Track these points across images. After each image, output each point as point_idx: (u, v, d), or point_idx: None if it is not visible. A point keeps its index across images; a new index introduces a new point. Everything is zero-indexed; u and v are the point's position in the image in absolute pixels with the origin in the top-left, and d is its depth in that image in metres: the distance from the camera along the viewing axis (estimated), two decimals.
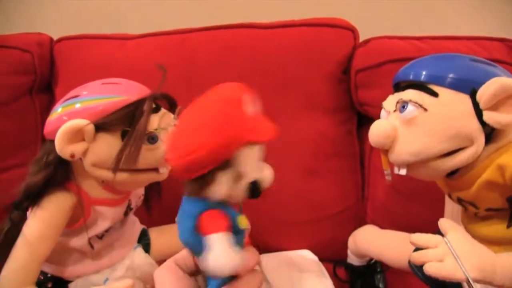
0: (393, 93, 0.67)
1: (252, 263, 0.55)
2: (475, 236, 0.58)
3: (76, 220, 0.71)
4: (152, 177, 0.72)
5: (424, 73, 0.61)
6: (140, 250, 0.82)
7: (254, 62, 0.97)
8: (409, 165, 0.62)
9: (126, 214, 0.79)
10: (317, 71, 0.98)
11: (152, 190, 0.85)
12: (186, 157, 0.49)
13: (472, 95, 0.58)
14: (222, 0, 1.21)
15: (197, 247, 0.50)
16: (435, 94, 0.59)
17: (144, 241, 0.85)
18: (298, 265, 0.89)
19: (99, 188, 0.72)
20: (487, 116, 0.56)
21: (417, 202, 0.91)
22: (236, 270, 0.48)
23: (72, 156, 0.65)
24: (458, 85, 0.59)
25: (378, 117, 0.96)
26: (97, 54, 1.04)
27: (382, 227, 0.87)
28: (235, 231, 0.53)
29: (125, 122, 0.66)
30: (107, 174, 0.68)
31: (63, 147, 0.64)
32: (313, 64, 0.97)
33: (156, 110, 0.70)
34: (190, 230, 0.52)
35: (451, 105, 0.58)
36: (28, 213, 0.69)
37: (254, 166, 0.53)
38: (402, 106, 0.61)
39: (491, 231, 0.63)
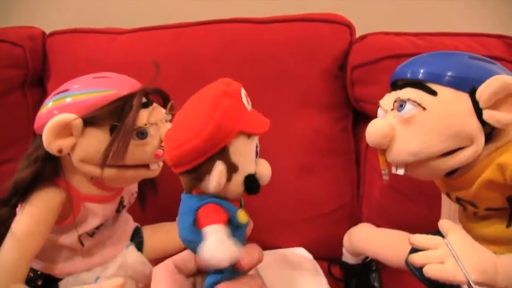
0: (390, 91, 0.64)
1: (256, 259, 0.53)
2: (474, 236, 0.56)
3: (66, 217, 0.69)
4: (142, 174, 0.70)
5: (422, 71, 0.59)
6: (132, 248, 0.79)
7: (250, 57, 0.96)
8: (407, 165, 0.60)
9: (118, 211, 0.77)
10: (312, 67, 0.96)
11: (147, 187, 0.83)
12: (179, 148, 0.48)
13: (472, 93, 0.56)
14: None
15: (196, 244, 0.48)
16: (433, 93, 0.57)
17: (137, 239, 0.82)
18: (293, 263, 0.87)
19: (88, 184, 0.69)
20: (487, 115, 0.54)
21: (413, 200, 0.90)
22: (232, 261, 0.46)
23: (60, 151, 0.63)
24: (457, 84, 0.56)
25: (374, 114, 0.96)
26: (90, 48, 1.02)
27: (377, 225, 0.85)
28: (235, 226, 0.52)
29: (114, 117, 0.64)
30: (95, 170, 0.65)
31: (50, 142, 0.62)
32: (308, 60, 0.96)
33: (147, 104, 0.68)
34: (189, 226, 0.50)
35: (450, 104, 0.56)
36: (17, 209, 0.67)
37: (249, 159, 0.52)
38: (400, 105, 0.59)
39: (490, 230, 0.61)
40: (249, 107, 0.53)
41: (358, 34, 0.99)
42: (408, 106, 0.58)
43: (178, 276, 0.52)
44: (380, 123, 0.60)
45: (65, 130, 0.63)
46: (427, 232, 0.58)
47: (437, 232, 0.57)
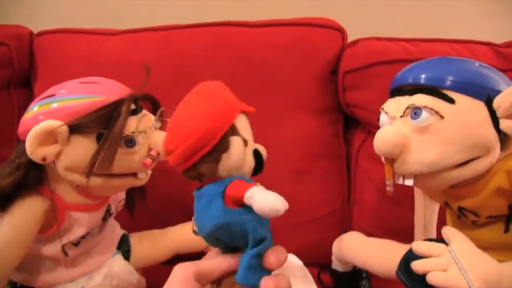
0: (392, 97, 0.62)
1: (284, 257, 0.49)
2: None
3: (50, 226, 0.65)
4: (130, 183, 0.67)
5: (438, 77, 0.56)
6: (119, 257, 0.76)
7: (241, 61, 0.94)
8: (417, 176, 0.57)
9: (104, 219, 0.74)
10: (304, 71, 0.94)
11: (135, 193, 0.80)
12: (195, 134, 0.47)
13: (488, 102, 0.54)
14: None
15: (235, 225, 0.45)
16: (451, 101, 0.54)
17: (124, 248, 0.79)
18: (283, 270, 0.84)
19: (73, 192, 0.66)
20: (505, 124, 0.53)
21: (404, 206, 0.85)
22: (286, 207, 0.44)
23: (44, 159, 0.60)
24: (475, 92, 0.54)
25: (365, 120, 0.95)
26: (80, 49, 0.99)
27: (368, 231, 0.84)
28: None
29: (101, 124, 0.61)
30: (81, 179, 0.62)
31: (33, 150, 0.59)
32: (300, 64, 0.94)
33: (135, 111, 0.65)
34: (221, 209, 0.47)
35: (469, 113, 0.54)
36: None
37: (251, 136, 0.52)
38: (415, 112, 0.56)
39: (487, 236, 0.60)
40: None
41: (350, 39, 0.97)
42: (424, 114, 0.55)
43: (193, 284, 0.49)
44: (392, 131, 0.56)
45: (50, 137, 0.60)
46: (430, 239, 0.57)
47: (442, 240, 0.55)
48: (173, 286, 0.49)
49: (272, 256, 0.46)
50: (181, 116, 0.51)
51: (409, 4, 1.15)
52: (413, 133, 0.56)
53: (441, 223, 0.73)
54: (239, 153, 0.48)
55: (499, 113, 0.53)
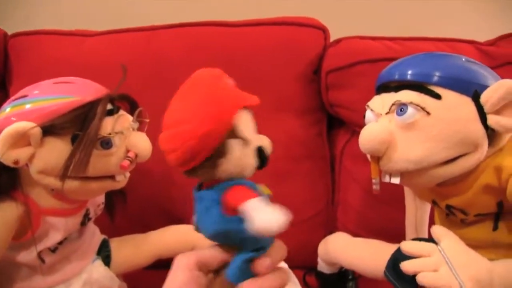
0: (378, 94, 0.60)
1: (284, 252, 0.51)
2: None
3: (24, 232, 0.62)
4: (107, 186, 0.64)
5: (423, 73, 0.55)
6: (99, 263, 0.73)
7: (223, 61, 0.89)
8: (404, 173, 0.56)
9: (83, 224, 0.70)
10: (287, 71, 0.93)
11: (115, 196, 0.77)
12: (192, 139, 0.45)
13: (475, 97, 0.52)
14: None
15: (234, 231, 0.45)
16: (438, 96, 0.53)
17: (104, 253, 0.76)
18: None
19: (48, 197, 0.63)
20: (493, 120, 0.52)
21: (390, 206, 0.87)
22: (287, 222, 0.43)
23: (16, 162, 0.57)
24: (462, 87, 0.53)
25: (349, 119, 0.94)
26: (57, 51, 0.96)
27: (354, 232, 0.82)
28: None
29: (76, 125, 0.58)
30: (55, 182, 0.59)
31: (4, 153, 0.56)
32: (283, 64, 0.93)
33: (112, 112, 0.62)
34: (218, 216, 0.47)
35: (456, 109, 0.53)
36: None
37: (253, 132, 0.50)
38: (400, 108, 0.54)
39: (476, 235, 0.59)
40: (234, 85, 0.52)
41: (332, 38, 0.96)
42: (410, 110, 0.53)
43: (197, 273, 0.49)
44: (377, 128, 0.55)
45: (22, 139, 0.57)
46: (419, 239, 0.57)
47: (431, 240, 0.54)
48: (178, 275, 0.48)
49: (260, 266, 0.46)
50: (177, 114, 0.48)
51: (392, 3, 1.14)
52: (399, 130, 0.55)
53: (433, 223, 0.72)
54: (238, 159, 0.47)
55: (486, 108, 0.52)
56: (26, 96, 0.61)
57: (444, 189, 0.59)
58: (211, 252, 0.50)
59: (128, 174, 0.66)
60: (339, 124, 0.99)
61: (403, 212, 0.78)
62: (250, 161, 0.48)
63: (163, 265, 0.80)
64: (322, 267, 0.83)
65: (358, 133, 0.57)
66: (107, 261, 0.75)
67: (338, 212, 0.97)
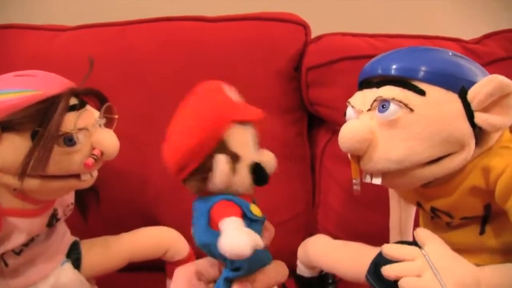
0: (360, 89, 0.57)
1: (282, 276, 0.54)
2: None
3: None
4: (72, 185, 0.61)
5: (407, 67, 0.52)
6: (68, 266, 0.70)
7: (199, 57, 0.89)
8: (385, 173, 0.53)
9: (50, 225, 0.67)
10: (265, 67, 0.90)
11: (88, 195, 0.73)
12: (178, 152, 0.48)
13: (461, 94, 0.50)
14: None
15: (213, 246, 0.45)
16: (422, 92, 0.50)
17: (74, 255, 0.72)
18: None
19: (10, 197, 0.59)
20: (480, 118, 0.49)
21: (371, 208, 0.85)
22: (254, 248, 0.43)
23: None
24: (447, 83, 0.50)
25: (330, 118, 0.92)
26: (28, 46, 0.92)
27: (334, 235, 0.80)
28: (250, 221, 0.50)
29: (36, 121, 0.55)
30: (14, 181, 0.56)
31: None
32: (261, 61, 0.90)
33: (75, 107, 0.59)
34: (204, 227, 0.49)
35: (441, 105, 0.50)
36: None
37: (249, 148, 0.51)
38: (382, 105, 0.51)
39: (462, 239, 0.57)
40: (236, 98, 0.53)
41: (313, 35, 0.94)
42: (392, 107, 0.51)
43: (197, 283, 0.52)
44: (357, 126, 0.52)
45: None
46: (402, 242, 0.55)
47: (415, 243, 0.52)
48: (178, 286, 0.52)
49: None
50: (173, 125, 0.51)
51: (376, 0, 1.13)
52: (380, 128, 0.52)
53: (418, 226, 0.70)
54: (223, 174, 0.47)
55: (473, 105, 0.49)
56: None
57: (429, 190, 0.56)
58: (209, 263, 0.53)
59: (95, 173, 0.63)
60: (320, 123, 0.97)
61: (385, 214, 0.76)
62: (241, 177, 0.49)
63: (137, 267, 0.78)
64: (301, 270, 0.81)
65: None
66: (77, 264, 0.71)
67: (319, 214, 0.96)
